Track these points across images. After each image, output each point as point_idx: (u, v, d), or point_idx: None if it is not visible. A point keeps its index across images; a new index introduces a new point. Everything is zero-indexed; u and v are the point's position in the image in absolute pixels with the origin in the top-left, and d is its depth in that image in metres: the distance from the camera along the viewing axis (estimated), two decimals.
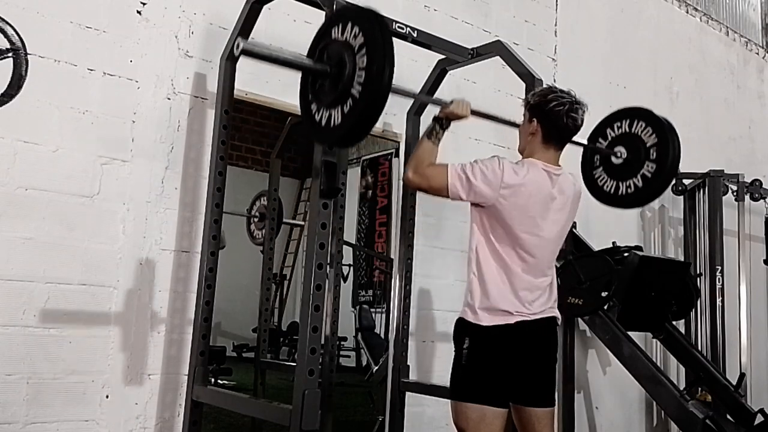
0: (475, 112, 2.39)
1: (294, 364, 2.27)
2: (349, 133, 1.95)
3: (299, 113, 3.33)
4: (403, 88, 2.25)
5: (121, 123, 2.81)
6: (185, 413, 2.72)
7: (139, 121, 2.85)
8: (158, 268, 2.85)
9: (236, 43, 1.90)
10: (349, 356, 5.88)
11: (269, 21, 3.08)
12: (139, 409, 2.76)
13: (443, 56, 3.26)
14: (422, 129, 3.49)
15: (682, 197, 5.15)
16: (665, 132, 2.73)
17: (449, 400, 2.31)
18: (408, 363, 3.34)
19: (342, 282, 4.50)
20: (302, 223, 5.82)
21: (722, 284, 4.78)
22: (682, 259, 5.08)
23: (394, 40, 3.17)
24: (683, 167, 5.03)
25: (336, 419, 3.87)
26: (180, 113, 2.96)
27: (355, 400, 4.91)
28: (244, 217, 4.78)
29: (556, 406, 2.46)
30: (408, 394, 3.31)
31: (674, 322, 4.32)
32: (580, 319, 4.16)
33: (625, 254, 3.83)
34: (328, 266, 2.21)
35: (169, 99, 2.93)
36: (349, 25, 1.95)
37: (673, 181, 5.04)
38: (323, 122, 2.00)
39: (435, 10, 3.83)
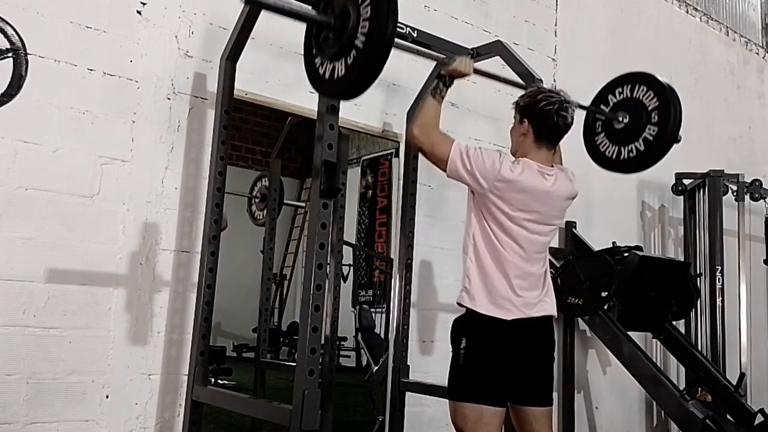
0: (477, 71, 2.42)
1: (294, 364, 2.27)
2: (353, 84, 1.96)
3: (299, 113, 3.37)
4: (407, 43, 2.28)
5: (121, 123, 2.81)
6: (185, 413, 2.72)
7: (139, 121, 2.85)
8: (158, 268, 2.85)
9: None
10: (349, 356, 5.86)
11: (269, 21, 3.08)
12: (139, 409, 2.76)
13: (443, 56, 3.25)
14: None
15: (682, 197, 5.14)
16: (666, 95, 2.74)
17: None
18: (408, 363, 3.34)
19: (342, 282, 4.51)
20: (303, 204, 5.82)
21: (722, 284, 4.78)
22: (682, 259, 5.08)
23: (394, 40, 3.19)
24: (683, 167, 5.11)
25: (336, 419, 3.88)
26: (180, 113, 2.96)
27: (355, 400, 4.90)
28: (245, 197, 4.84)
29: (555, 406, 2.46)
30: (408, 394, 3.31)
31: (674, 322, 4.32)
32: (580, 319, 4.16)
33: (625, 254, 3.83)
34: (328, 266, 2.22)
35: (169, 99, 2.93)
36: None
37: (673, 181, 5.07)
38: (327, 75, 2.01)
39: (435, 10, 3.83)
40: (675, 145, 5.48)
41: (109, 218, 2.75)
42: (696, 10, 5.83)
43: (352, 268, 6.14)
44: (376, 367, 4.21)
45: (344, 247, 4.31)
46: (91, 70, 2.75)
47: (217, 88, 2.87)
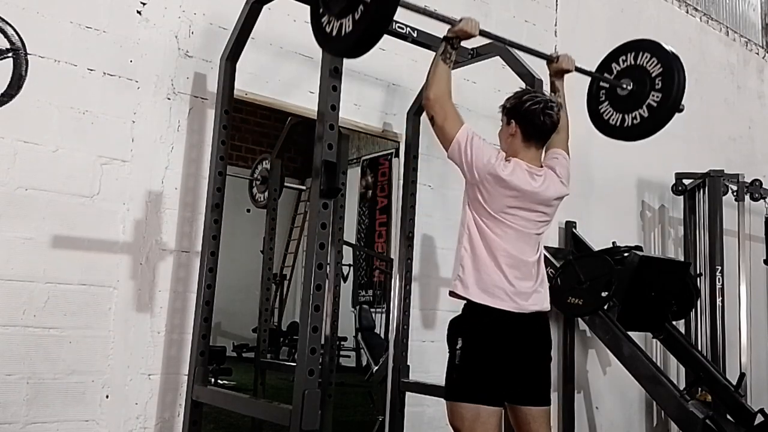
0: (483, 33, 2.43)
1: (294, 364, 2.28)
2: (360, 39, 1.97)
3: (299, 113, 3.37)
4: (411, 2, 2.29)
5: (121, 123, 2.81)
6: (185, 413, 2.72)
7: (139, 121, 2.85)
8: (158, 268, 2.85)
9: None
10: (349, 356, 5.88)
11: (269, 21, 3.08)
12: (139, 409, 2.76)
13: None
14: (422, 129, 3.52)
15: (682, 197, 5.14)
16: (670, 61, 2.73)
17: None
18: (408, 363, 3.34)
19: (342, 282, 4.51)
20: (304, 187, 5.82)
21: (722, 284, 4.78)
22: (682, 259, 5.08)
23: (394, 40, 3.20)
24: (683, 167, 5.11)
25: (336, 419, 3.88)
26: (180, 113, 2.96)
27: (355, 400, 4.90)
28: (246, 179, 4.86)
29: (555, 406, 2.47)
30: (408, 394, 3.32)
31: (674, 322, 4.32)
32: (580, 319, 4.16)
33: (625, 254, 3.83)
34: (328, 266, 2.22)
35: (169, 99, 2.93)
36: None
37: (673, 181, 5.08)
38: (334, 33, 2.03)
39: (435, 10, 3.83)
40: (675, 145, 5.49)
41: (109, 218, 2.75)
42: (696, 10, 5.83)
43: (352, 268, 6.15)
44: (376, 367, 4.21)
45: (344, 247, 4.31)
46: (91, 70, 2.75)
47: (217, 88, 2.87)
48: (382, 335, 5.20)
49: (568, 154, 2.59)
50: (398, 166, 3.68)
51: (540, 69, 3.08)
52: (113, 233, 2.75)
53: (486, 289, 2.29)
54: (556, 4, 4.59)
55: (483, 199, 2.31)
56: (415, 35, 3.09)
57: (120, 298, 2.74)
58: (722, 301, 4.77)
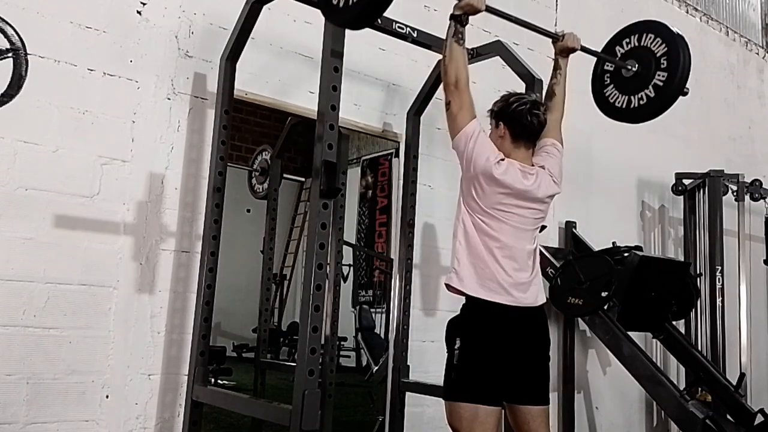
0: (490, 9, 2.44)
1: (294, 364, 2.27)
2: (366, 8, 1.98)
3: (299, 113, 3.37)
4: None
5: (121, 123, 2.81)
6: (185, 413, 2.72)
7: (139, 121, 2.85)
8: (158, 268, 2.85)
9: None
10: (349, 356, 5.87)
11: (269, 21, 3.08)
12: (139, 409, 2.76)
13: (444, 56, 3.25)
14: (422, 129, 3.53)
15: (682, 197, 5.14)
16: (674, 39, 2.73)
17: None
18: (408, 363, 3.34)
19: (342, 282, 4.51)
20: (303, 179, 5.82)
21: (722, 284, 4.78)
22: (682, 259, 5.08)
23: (394, 40, 3.20)
24: (683, 167, 5.11)
25: (336, 419, 3.87)
26: (180, 113, 2.96)
27: (355, 400, 4.90)
28: (246, 170, 4.86)
29: (555, 406, 2.47)
30: (408, 394, 3.32)
31: (674, 322, 4.32)
32: (580, 319, 4.16)
33: (625, 254, 3.83)
34: (328, 266, 2.22)
35: (169, 99, 2.93)
36: None
37: (673, 181, 5.07)
38: (341, 4, 2.04)
39: (435, 10, 3.83)
40: (675, 145, 5.49)
41: (109, 218, 2.75)
42: (696, 10, 5.83)
43: (352, 268, 6.14)
44: (376, 367, 4.21)
45: (344, 247, 4.30)
46: (91, 70, 2.75)
47: (217, 88, 2.87)
48: (382, 335, 5.20)
49: (561, 139, 2.58)
50: (398, 166, 3.68)
51: (540, 69, 3.09)
52: (113, 233, 2.75)
53: (482, 283, 2.31)
54: (556, 4, 4.59)
55: (476, 195, 2.34)
56: (415, 35, 3.09)
57: (120, 298, 2.74)
58: (722, 301, 4.77)
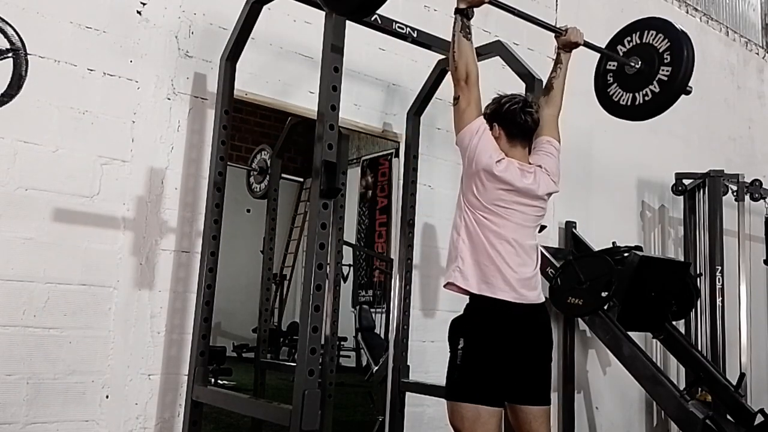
0: (493, 2, 2.44)
1: (294, 364, 2.27)
2: None
3: (299, 113, 3.37)
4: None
5: (121, 123, 2.81)
6: (185, 413, 2.72)
7: (139, 121, 2.85)
8: (158, 268, 2.85)
9: None
10: (349, 356, 5.87)
11: (269, 21, 3.08)
12: (139, 409, 2.76)
13: (443, 56, 3.26)
14: (422, 129, 3.53)
15: (682, 197, 5.14)
16: (677, 33, 2.74)
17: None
18: (408, 363, 3.34)
19: (342, 282, 4.51)
20: (301, 179, 5.83)
21: (722, 284, 4.78)
22: (682, 259, 5.08)
23: (394, 40, 3.20)
24: (683, 167, 5.10)
25: (336, 419, 3.88)
26: (180, 113, 2.96)
27: (355, 400, 4.90)
28: (244, 170, 4.86)
29: (555, 406, 2.47)
30: (408, 394, 3.32)
31: (674, 322, 4.32)
32: (580, 319, 4.16)
33: (625, 254, 3.83)
34: (328, 266, 2.22)
35: (169, 99, 2.93)
36: None
37: (673, 181, 5.07)
38: None
39: (435, 10, 3.83)
40: (675, 145, 5.49)
41: (109, 218, 2.75)
42: (696, 10, 5.82)
43: (352, 268, 6.15)
44: (376, 367, 4.21)
45: (344, 247, 4.30)
46: (91, 70, 2.75)
47: (217, 88, 2.87)
48: (382, 335, 5.20)
49: (558, 136, 2.58)
50: (398, 166, 3.68)
51: (540, 69, 3.09)
52: (113, 233, 2.75)
53: (486, 280, 2.30)
54: (556, 4, 4.59)
55: (477, 191, 2.34)
56: (415, 35, 3.09)
57: (120, 298, 2.74)
58: (722, 301, 4.76)
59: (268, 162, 4.77)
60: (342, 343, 5.43)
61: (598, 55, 2.98)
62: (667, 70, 2.73)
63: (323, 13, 2.29)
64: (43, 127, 2.63)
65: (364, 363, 5.54)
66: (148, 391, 2.78)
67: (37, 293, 2.57)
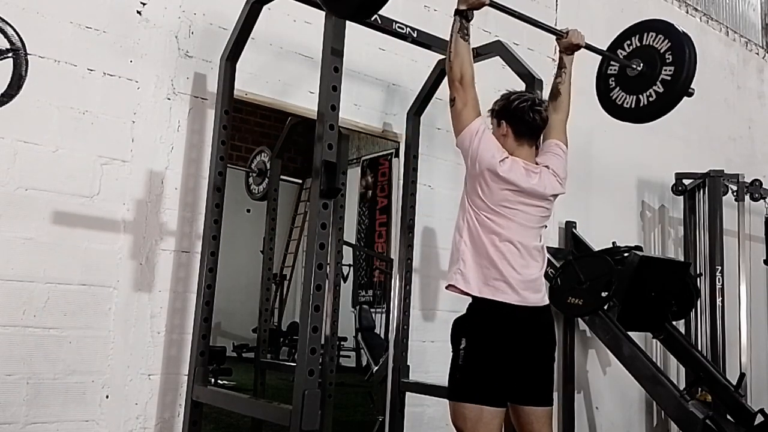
0: (494, 4, 2.43)
1: (294, 364, 2.27)
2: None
3: (299, 113, 3.37)
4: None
5: (121, 123, 2.81)
6: (185, 413, 2.72)
7: (139, 121, 2.85)
8: (158, 268, 2.85)
9: None
10: (349, 356, 5.87)
11: (269, 21, 3.08)
12: (139, 409, 2.76)
13: (443, 56, 3.26)
14: (422, 129, 3.52)
15: (682, 197, 5.14)
16: (677, 33, 2.74)
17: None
18: (408, 363, 3.34)
19: (342, 282, 4.51)
20: (300, 181, 5.83)
21: (722, 284, 4.78)
22: (682, 259, 5.08)
23: (394, 40, 3.20)
24: (683, 167, 5.10)
25: (336, 419, 3.88)
26: (180, 113, 2.96)
27: (355, 400, 4.90)
28: (243, 171, 4.86)
29: (555, 406, 2.46)
30: (408, 394, 3.31)
31: (674, 322, 4.32)
32: (580, 319, 4.16)
33: (625, 254, 3.83)
34: (328, 266, 2.22)
35: (169, 99, 2.93)
36: None
37: (673, 181, 5.07)
38: None
39: (435, 10, 3.83)
40: (675, 145, 5.49)
41: (109, 218, 2.75)
42: (696, 10, 5.82)
43: (352, 268, 6.15)
44: (376, 367, 4.21)
45: (344, 247, 4.30)
46: (91, 70, 2.75)
47: (217, 88, 2.87)
48: (382, 335, 5.20)
49: (566, 140, 2.57)
50: (398, 166, 3.68)
51: (540, 69, 3.09)
52: (113, 233, 2.75)
53: (488, 283, 2.30)
54: (556, 4, 4.59)
55: (482, 192, 2.32)
56: (415, 35, 3.09)
57: (120, 298, 2.74)
58: (722, 301, 4.76)
59: (267, 164, 4.77)
60: (342, 343, 5.44)
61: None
62: (670, 70, 2.73)
63: (323, 13, 2.29)
64: (43, 127, 2.63)
65: (364, 363, 5.54)
66: (148, 391, 2.78)
67: (37, 293, 2.57)
